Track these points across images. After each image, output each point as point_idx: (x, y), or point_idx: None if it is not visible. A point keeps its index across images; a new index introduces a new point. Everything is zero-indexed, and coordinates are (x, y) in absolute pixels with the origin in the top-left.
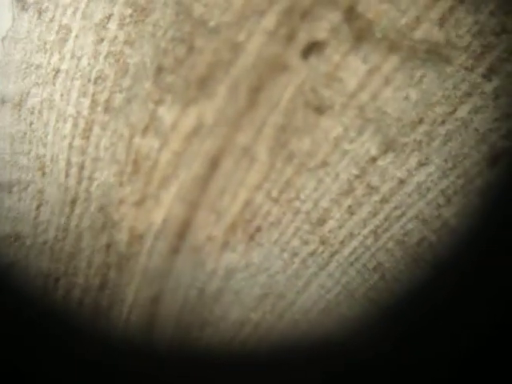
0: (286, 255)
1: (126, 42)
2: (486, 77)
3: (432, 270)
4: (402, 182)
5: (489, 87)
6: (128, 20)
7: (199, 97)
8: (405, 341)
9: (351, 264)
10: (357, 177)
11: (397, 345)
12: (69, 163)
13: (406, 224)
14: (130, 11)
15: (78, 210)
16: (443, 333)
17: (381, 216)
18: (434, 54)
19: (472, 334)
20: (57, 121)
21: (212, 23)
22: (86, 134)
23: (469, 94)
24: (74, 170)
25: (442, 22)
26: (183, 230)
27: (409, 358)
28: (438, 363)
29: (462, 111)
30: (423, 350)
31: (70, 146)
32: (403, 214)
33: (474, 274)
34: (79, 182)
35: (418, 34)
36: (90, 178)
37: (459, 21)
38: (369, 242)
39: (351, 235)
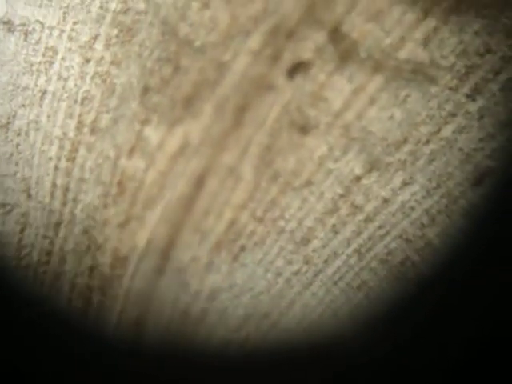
0: (269, 275)
1: (112, 63)
2: (471, 97)
3: (415, 289)
4: (386, 201)
5: (473, 107)
6: (114, 40)
7: (185, 116)
8: (385, 358)
9: (335, 283)
10: (341, 196)
11: (376, 364)
12: (54, 185)
13: (390, 243)
14: (116, 32)
15: (61, 233)
16: (426, 350)
17: (365, 235)
18: (419, 74)
19: (458, 348)
20: (43, 143)
21: (198, 43)
22: (72, 156)
23: (453, 114)
24: (58, 193)
25: (426, 42)
26: (167, 251)
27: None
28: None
29: (447, 131)
30: (403, 370)
31: (56, 167)
32: (387, 233)
33: (456, 293)
34: (64, 205)
35: (403, 53)
36: (75, 200)
37: (443, 41)
38: (352, 261)
39: (335, 254)
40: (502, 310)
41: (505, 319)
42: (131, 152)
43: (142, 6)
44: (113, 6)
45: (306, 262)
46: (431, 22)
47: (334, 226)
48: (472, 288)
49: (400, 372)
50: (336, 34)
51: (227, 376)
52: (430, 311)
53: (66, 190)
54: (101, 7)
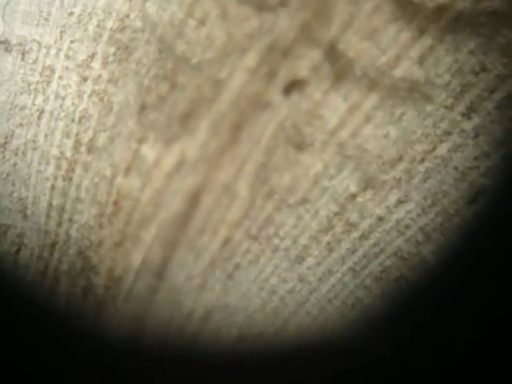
0: (264, 293)
1: (109, 81)
2: (466, 115)
3: (409, 307)
4: (381, 219)
5: (468, 126)
6: (111, 58)
7: (181, 134)
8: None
9: (330, 301)
10: (336, 214)
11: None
12: (50, 205)
13: (385, 261)
14: (113, 50)
15: (56, 255)
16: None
17: (360, 253)
18: (414, 93)
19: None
20: (40, 162)
21: (194, 60)
22: (69, 175)
23: (448, 133)
24: (54, 213)
25: (421, 61)
26: (162, 270)
27: None
28: None
29: (442, 149)
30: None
31: (52, 187)
32: (382, 251)
33: (451, 312)
34: (59, 225)
35: (398, 72)
36: (71, 221)
37: (439, 59)
38: (347, 278)
39: (330, 272)
40: (496, 320)
41: (498, 330)
42: (127, 171)
43: (138, 24)
44: (110, 24)
45: (301, 280)
46: (427, 41)
47: (328, 243)
48: (464, 306)
49: (400, 372)
50: (332, 53)
51: (226, 377)
52: (422, 329)
53: (62, 210)
54: (98, 25)
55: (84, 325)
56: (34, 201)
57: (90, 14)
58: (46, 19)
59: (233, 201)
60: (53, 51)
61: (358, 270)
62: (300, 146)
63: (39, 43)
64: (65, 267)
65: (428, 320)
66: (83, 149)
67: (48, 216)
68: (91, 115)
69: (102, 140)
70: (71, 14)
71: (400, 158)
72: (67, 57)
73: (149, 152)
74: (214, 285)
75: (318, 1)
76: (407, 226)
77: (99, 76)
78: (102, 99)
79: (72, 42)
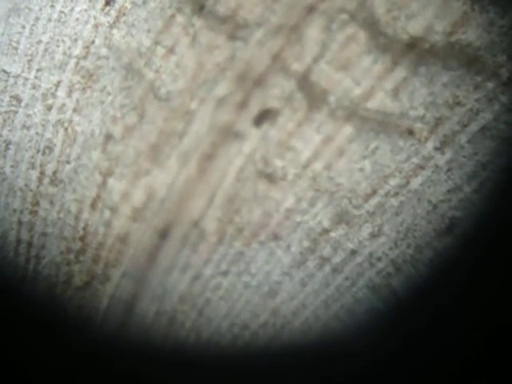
0: (235, 329)
1: (74, 110)
2: (439, 149)
3: (380, 338)
4: (353, 252)
5: (442, 160)
6: (77, 87)
7: (150, 166)
8: None
9: (303, 333)
10: (309, 249)
11: None
12: (18, 240)
13: (357, 293)
14: (78, 78)
15: (25, 292)
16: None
17: (332, 286)
18: (388, 125)
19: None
20: (7, 195)
21: (163, 90)
22: (34, 209)
23: (422, 167)
24: (22, 248)
25: (395, 93)
26: (131, 306)
27: None
28: None
29: (415, 183)
30: None
31: (19, 221)
32: (354, 284)
33: (421, 344)
34: (27, 261)
35: (372, 104)
36: (38, 257)
37: (413, 92)
38: (320, 311)
39: (303, 306)
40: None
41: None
42: (93, 205)
43: (104, 50)
44: (76, 51)
45: (274, 314)
46: (401, 73)
47: (301, 278)
48: (434, 337)
49: (401, 373)
50: (305, 83)
51: (225, 377)
52: (392, 360)
53: (30, 245)
54: (64, 53)
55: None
56: (3, 235)
57: (57, 41)
58: (15, 48)
59: (202, 235)
60: (20, 81)
61: (331, 302)
62: (271, 178)
63: (7, 73)
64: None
65: (399, 349)
66: (47, 181)
67: (16, 251)
68: (55, 145)
69: (66, 172)
70: (39, 42)
71: (373, 192)
72: (33, 86)
73: (115, 185)
74: (185, 320)
75: (291, 29)
76: (379, 259)
77: (64, 105)
78: (66, 129)
79: (38, 70)
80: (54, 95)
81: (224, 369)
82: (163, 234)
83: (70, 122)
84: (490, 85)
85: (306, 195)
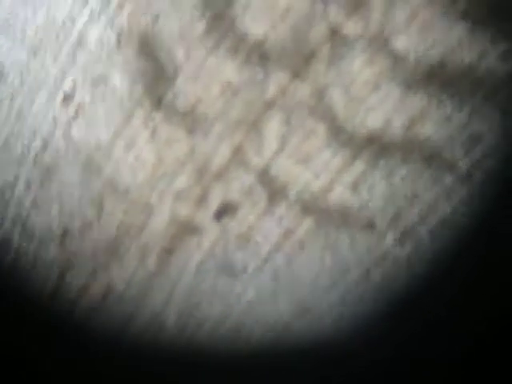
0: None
1: (32, 204)
2: (399, 242)
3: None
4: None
5: (401, 252)
6: (35, 181)
7: (108, 261)
8: None
9: None
10: (272, 341)
11: None
12: None
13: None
14: (36, 172)
15: None
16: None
17: None
18: (348, 219)
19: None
20: None
21: (122, 184)
22: None
23: (382, 259)
24: None
25: (355, 186)
26: None
27: None
28: None
29: (375, 275)
30: None
31: None
32: None
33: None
34: None
35: (332, 197)
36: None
37: (372, 185)
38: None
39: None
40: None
41: None
42: (52, 299)
43: (63, 145)
44: (34, 145)
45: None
46: (360, 166)
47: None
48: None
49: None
50: (264, 176)
51: (225, 377)
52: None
53: None
54: (22, 147)
55: None
56: None
57: (16, 136)
58: None
59: (161, 329)
60: None
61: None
62: (231, 272)
63: None
64: None
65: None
66: (5, 273)
67: None
68: (12, 239)
69: (22, 266)
70: None
71: (334, 285)
72: None
73: (73, 280)
74: None
75: (250, 124)
76: None
77: (21, 200)
78: (23, 224)
79: None
80: (12, 190)
81: (224, 369)
82: (122, 328)
83: (28, 216)
84: (449, 179)
85: (267, 288)
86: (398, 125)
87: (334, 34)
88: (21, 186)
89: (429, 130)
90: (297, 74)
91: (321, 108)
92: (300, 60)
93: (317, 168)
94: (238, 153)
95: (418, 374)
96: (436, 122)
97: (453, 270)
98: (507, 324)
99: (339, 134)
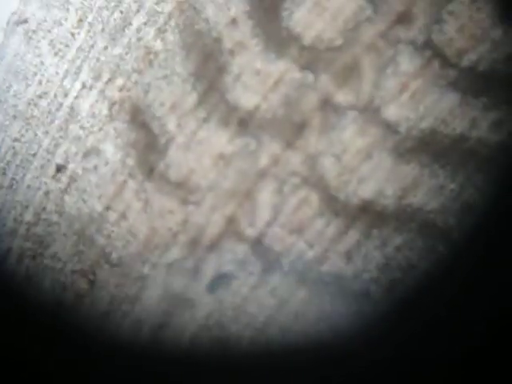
0: None
1: (25, 276)
2: (395, 309)
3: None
4: None
5: (398, 318)
6: (27, 253)
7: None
8: None
9: None
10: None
11: None
12: None
13: None
14: (28, 244)
15: None
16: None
17: None
18: (342, 288)
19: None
20: None
21: (115, 256)
22: None
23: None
24: None
25: (349, 256)
26: None
27: None
28: None
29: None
30: None
31: None
32: None
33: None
34: None
35: (326, 266)
36: None
37: (366, 255)
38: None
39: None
40: None
41: None
42: None
43: (55, 217)
44: (27, 217)
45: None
46: (354, 236)
47: None
48: None
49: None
50: (258, 247)
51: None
52: None
53: None
54: (15, 219)
55: None
56: None
57: (8, 208)
58: None
59: None
60: None
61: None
62: (226, 343)
63: None
64: None
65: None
66: None
67: None
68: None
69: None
70: None
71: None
72: None
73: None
74: None
75: (243, 194)
76: None
77: (14, 272)
78: (17, 297)
79: None
80: (4, 262)
81: (224, 368)
82: None
83: (20, 287)
84: (442, 247)
85: (263, 359)
86: (390, 194)
87: (325, 103)
88: (13, 258)
89: (421, 199)
90: (289, 144)
91: (313, 177)
92: (292, 129)
93: (310, 237)
94: (231, 223)
95: (418, 374)
96: (429, 191)
97: (453, 270)
98: (507, 324)
99: (332, 203)
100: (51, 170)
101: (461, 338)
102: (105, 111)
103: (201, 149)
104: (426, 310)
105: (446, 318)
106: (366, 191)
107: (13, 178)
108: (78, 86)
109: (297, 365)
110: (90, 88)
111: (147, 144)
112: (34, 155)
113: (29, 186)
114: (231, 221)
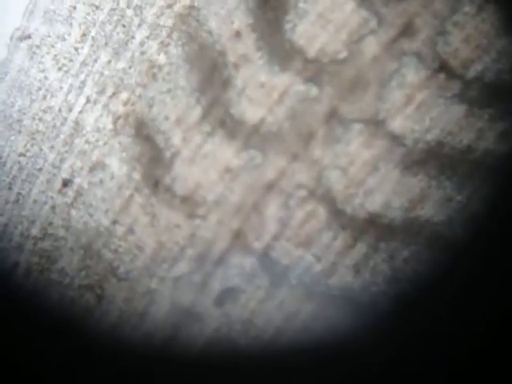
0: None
1: (31, 292)
2: (404, 320)
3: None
4: None
5: (406, 327)
6: (34, 268)
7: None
8: None
9: None
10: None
11: None
12: None
13: None
14: (36, 259)
15: None
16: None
17: None
18: (351, 301)
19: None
20: None
21: (122, 270)
22: None
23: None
24: None
25: (357, 269)
26: None
27: None
28: None
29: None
30: None
31: None
32: None
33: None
34: None
35: (334, 280)
36: None
37: (374, 268)
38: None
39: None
40: None
41: None
42: None
43: (62, 231)
44: (34, 232)
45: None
46: (361, 249)
47: None
48: None
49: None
50: (266, 260)
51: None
52: None
53: None
54: (21, 234)
55: None
56: None
57: (15, 223)
58: None
59: None
60: None
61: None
62: (237, 354)
63: None
64: None
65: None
66: None
67: None
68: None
69: None
70: None
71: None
72: None
73: None
74: None
75: (250, 208)
76: None
77: (21, 286)
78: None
79: None
80: (11, 277)
81: (225, 368)
82: None
83: (27, 303)
84: (449, 260)
85: (271, 372)
86: (397, 206)
87: (331, 116)
88: (20, 273)
89: (429, 211)
90: (294, 157)
91: (320, 190)
92: (297, 142)
93: (318, 250)
94: (238, 237)
95: (419, 374)
96: (436, 203)
97: (453, 270)
98: (507, 324)
99: (339, 216)
100: (57, 184)
101: (461, 337)
102: (109, 125)
103: (206, 163)
104: (426, 310)
105: (446, 317)
106: (373, 204)
107: (19, 193)
108: (82, 100)
109: (298, 365)
110: (95, 102)
111: (152, 158)
112: (40, 170)
113: (35, 201)
114: (238, 234)
